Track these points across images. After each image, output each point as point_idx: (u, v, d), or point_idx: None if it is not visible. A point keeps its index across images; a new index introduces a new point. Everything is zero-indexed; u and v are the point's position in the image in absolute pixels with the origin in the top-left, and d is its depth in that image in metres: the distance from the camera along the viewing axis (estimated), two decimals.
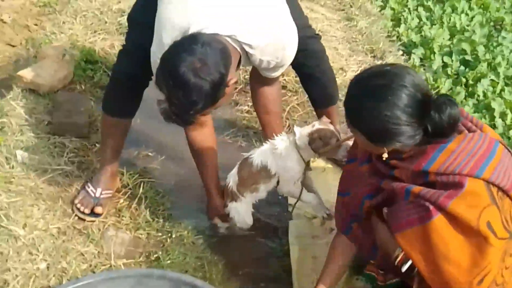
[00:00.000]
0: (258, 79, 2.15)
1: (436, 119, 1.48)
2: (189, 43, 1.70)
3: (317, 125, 2.06)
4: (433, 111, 1.48)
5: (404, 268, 1.64)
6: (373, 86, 1.53)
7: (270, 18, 1.94)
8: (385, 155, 1.57)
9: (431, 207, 1.46)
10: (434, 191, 1.48)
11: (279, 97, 2.33)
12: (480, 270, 1.47)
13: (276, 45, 1.94)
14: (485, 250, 1.45)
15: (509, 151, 1.55)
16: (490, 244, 1.44)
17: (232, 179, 2.13)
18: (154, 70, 1.89)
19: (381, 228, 1.69)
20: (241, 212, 2.16)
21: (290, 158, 2.07)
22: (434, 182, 1.49)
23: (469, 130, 1.59)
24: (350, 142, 2.08)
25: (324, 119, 2.15)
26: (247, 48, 1.85)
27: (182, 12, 1.82)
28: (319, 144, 2.01)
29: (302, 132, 2.02)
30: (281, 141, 2.07)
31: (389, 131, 1.49)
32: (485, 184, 1.45)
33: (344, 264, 1.88)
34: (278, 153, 2.07)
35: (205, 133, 2.18)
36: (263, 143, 2.22)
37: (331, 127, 2.06)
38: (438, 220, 1.46)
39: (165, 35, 1.83)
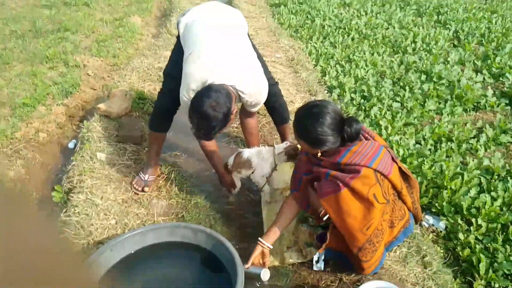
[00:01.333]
0: (245, 113, 2.28)
1: (348, 131, 1.59)
2: (207, 91, 1.83)
3: (288, 143, 2.24)
4: (346, 127, 1.59)
5: (324, 218, 1.78)
6: (310, 113, 1.62)
7: (255, 76, 2.08)
8: (319, 154, 1.67)
9: (341, 184, 1.60)
10: (343, 174, 1.62)
11: (257, 124, 2.45)
12: (368, 222, 1.62)
13: (257, 92, 2.11)
14: (371, 210, 1.59)
15: (389, 152, 1.71)
16: (374, 207, 1.59)
17: (229, 162, 2.26)
18: (182, 103, 2.03)
19: (313, 194, 1.82)
20: (235, 180, 2.30)
21: (267, 161, 2.21)
22: (343, 169, 1.64)
23: (366, 139, 1.71)
24: None
25: (289, 142, 2.30)
26: (240, 93, 2.00)
27: (201, 70, 1.92)
28: (292, 152, 2.17)
29: (279, 146, 2.21)
30: (265, 150, 2.23)
31: (320, 140, 1.59)
32: (373, 171, 1.60)
33: (290, 216, 1.89)
34: (262, 156, 2.21)
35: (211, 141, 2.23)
36: (249, 147, 2.37)
37: (295, 144, 2.19)
38: (345, 192, 1.59)
39: (191, 83, 1.93)
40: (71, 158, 2.57)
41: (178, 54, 2.08)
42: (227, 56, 1.95)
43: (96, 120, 2.89)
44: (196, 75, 1.90)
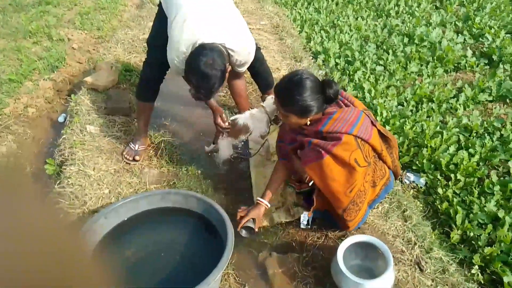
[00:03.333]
0: (232, 75, 2.18)
1: (329, 92, 1.59)
2: (201, 50, 1.78)
3: (273, 96, 2.17)
4: (327, 88, 1.59)
5: (310, 183, 1.82)
6: (292, 82, 1.60)
7: (242, 33, 2.02)
8: (308, 123, 1.65)
9: (323, 152, 1.61)
10: (325, 142, 1.63)
11: (245, 86, 2.38)
12: (350, 184, 1.64)
13: (245, 50, 2.03)
14: (353, 174, 1.62)
15: (369, 117, 1.71)
16: (356, 170, 1.61)
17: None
18: (172, 67, 1.97)
19: (297, 162, 1.84)
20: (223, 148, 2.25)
21: (263, 120, 2.18)
22: (326, 137, 1.65)
23: (346, 105, 1.71)
24: None
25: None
26: (230, 51, 1.93)
27: (189, 32, 1.84)
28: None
29: (268, 102, 2.14)
30: (257, 111, 2.19)
31: (307, 106, 1.58)
32: (354, 137, 1.61)
33: (282, 178, 1.92)
34: (255, 118, 2.17)
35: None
36: (240, 110, 2.35)
37: None
38: (327, 159, 1.60)
39: (181, 46, 1.86)
40: (62, 132, 2.53)
41: (161, 22, 2.00)
42: (213, 15, 1.89)
43: (84, 94, 2.83)
44: (184, 37, 1.83)
